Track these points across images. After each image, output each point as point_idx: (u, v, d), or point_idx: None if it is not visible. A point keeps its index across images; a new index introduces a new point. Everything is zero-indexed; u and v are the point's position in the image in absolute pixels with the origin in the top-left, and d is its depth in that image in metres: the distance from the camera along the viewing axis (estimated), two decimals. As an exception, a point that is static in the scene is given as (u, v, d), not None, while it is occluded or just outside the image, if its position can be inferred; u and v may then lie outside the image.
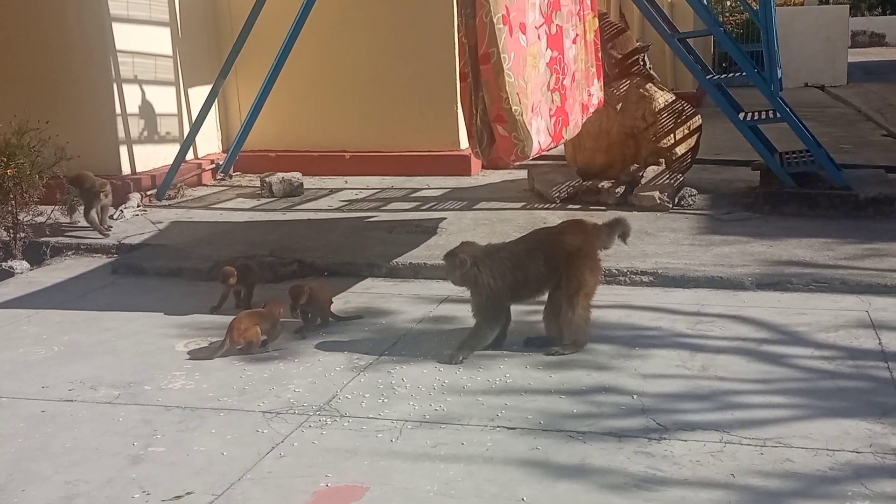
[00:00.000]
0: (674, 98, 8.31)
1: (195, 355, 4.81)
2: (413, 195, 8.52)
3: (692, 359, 4.54)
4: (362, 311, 5.44)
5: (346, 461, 3.61)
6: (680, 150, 8.15)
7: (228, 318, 4.97)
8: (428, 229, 7.05)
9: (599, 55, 6.99)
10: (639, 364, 4.49)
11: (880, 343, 4.66)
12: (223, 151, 9.95)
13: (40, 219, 6.90)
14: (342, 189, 8.91)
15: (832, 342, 4.71)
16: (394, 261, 6.22)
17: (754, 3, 8.75)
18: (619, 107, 8.07)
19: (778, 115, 7.64)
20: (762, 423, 3.81)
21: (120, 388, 4.43)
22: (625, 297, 5.54)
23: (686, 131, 8.18)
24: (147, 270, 6.47)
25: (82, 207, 7.20)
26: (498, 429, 3.84)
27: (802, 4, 22.33)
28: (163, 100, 9.24)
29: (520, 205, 7.83)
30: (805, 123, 7.81)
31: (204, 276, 6.23)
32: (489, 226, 7.12)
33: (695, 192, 7.65)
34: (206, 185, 9.37)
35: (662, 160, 8.03)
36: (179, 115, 9.49)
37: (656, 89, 8.23)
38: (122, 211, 7.97)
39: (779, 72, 7.79)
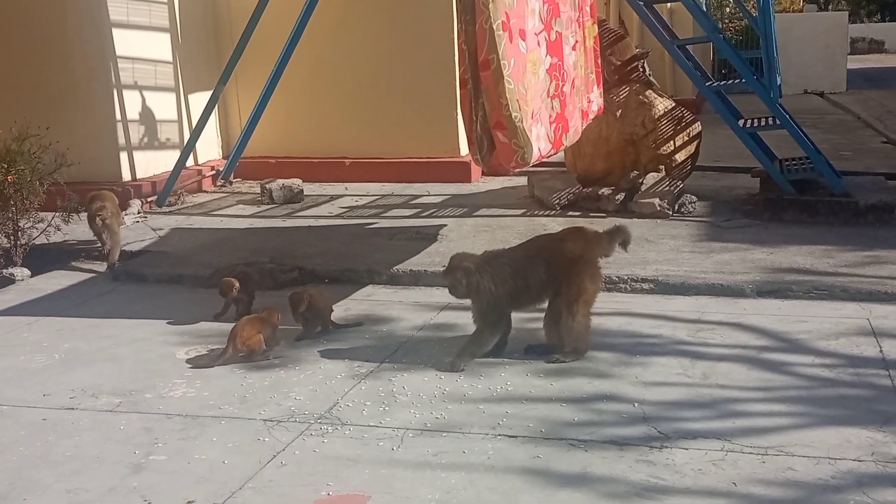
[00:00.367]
0: (673, 105, 8.32)
1: (196, 363, 4.80)
2: (413, 202, 8.52)
3: (693, 366, 4.54)
4: (363, 319, 5.44)
5: (347, 469, 3.61)
6: (680, 156, 8.16)
7: (229, 326, 4.97)
8: (428, 236, 7.05)
9: (599, 62, 7.00)
10: (640, 372, 4.49)
11: (881, 351, 4.66)
12: (223, 158, 9.96)
13: (41, 225, 6.88)
14: (342, 195, 8.92)
15: (833, 350, 4.71)
16: (394, 268, 6.22)
17: (753, 9, 8.76)
18: (618, 113, 8.08)
19: (777, 121, 7.65)
20: (763, 431, 3.81)
21: (121, 395, 4.42)
22: (625, 305, 5.54)
23: (686, 138, 8.19)
24: (148, 277, 6.47)
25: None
26: (499, 437, 3.84)
27: (801, 11, 22.38)
28: (163, 106, 9.25)
29: (520, 212, 7.84)
30: (804, 130, 7.82)
31: (204, 282, 6.22)
32: (489, 232, 7.13)
33: (695, 199, 7.65)
34: (207, 192, 9.38)
35: (662, 167, 8.03)
36: (180, 121, 9.50)
37: (656, 96, 8.24)
38: (122, 218, 7.96)
39: (778, 78, 7.80)
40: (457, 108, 9.06)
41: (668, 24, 8.97)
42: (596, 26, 6.93)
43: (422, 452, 3.73)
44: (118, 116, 8.58)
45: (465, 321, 4.96)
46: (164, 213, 8.41)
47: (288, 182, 8.74)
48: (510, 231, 7.12)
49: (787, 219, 7.14)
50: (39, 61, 8.53)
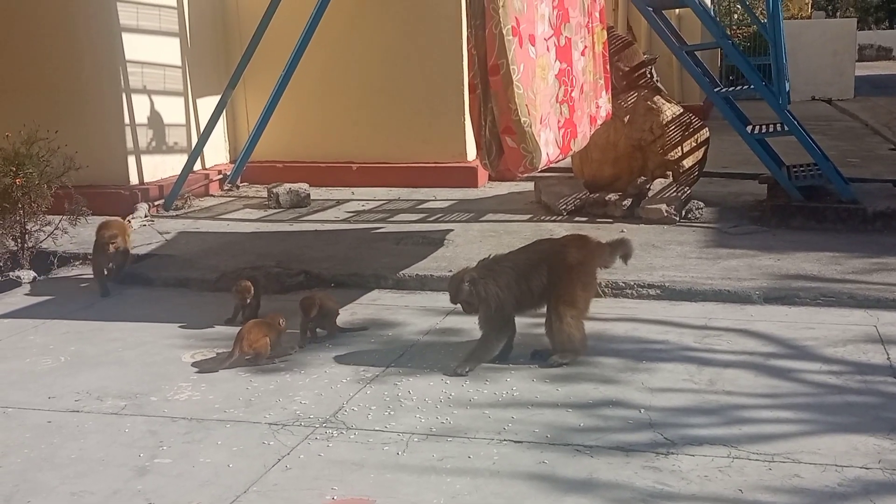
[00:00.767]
0: (681, 111, 8.31)
1: (202, 366, 4.80)
2: (420, 207, 8.52)
3: (699, 373, 4.52)
4: (369, 323, 5.43)
5: (352, 474, 3.60)
6: (687, 162, 8.15)
7: (235, 329, 4.97)
8: (435, 241, 7.05)
9: (608, 67, 7.00)
10: (646, 378, 4.48)
11: (888, 358, 4.64)
12: (231, 162, 9.98)
13: (48, 228, 6.90)
14: (349, 200, 8.92)
15: (840, 357, 4.68)
16: (401, 272, 6.22)
17: (762, 16, 8.75)
18: (626, 119, 8.07)
19: (786, 128, 7.63)
20: (770, 437, 3.79)
21: (126, 398, 4.42)
22: (632, 311, 5.53)
23: (693, 144, 8.18)
24: (154, 281, 6.47)
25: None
26: (505, 442, 3.83)
27: (810, 18, 22.34)
28: (171, 110, 9.27)
29: (526, 217, 7.83)
30: (813, 137, 7.80)
31: (211, 286, 6.24)
32: (496, 238, 7.12)
33: (702, 205, 7.63)
34: (214, 196, 9.39)
35: (670, 173, 8.02)
36: (187, 125, 9.52)
37: (664, 102, 8.23)
38: (129, 221, 7.98)
39: (787, 85, 7.78)
40: (464, 113, 9.06)
41: (677, 30, 8.97)
42: (605, 32, 6.93)
43: (427, 457, 3.72)
44: (126, 120, 8.60)
45: (471, 326, 4.95)
46: (172, 216, 8.42)
47: (295, 186, 8.75)
48: (517, 236, 7.11)
49: (795, 225, 7.12)
50: (48, 65, 8.56)
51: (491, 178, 9.37)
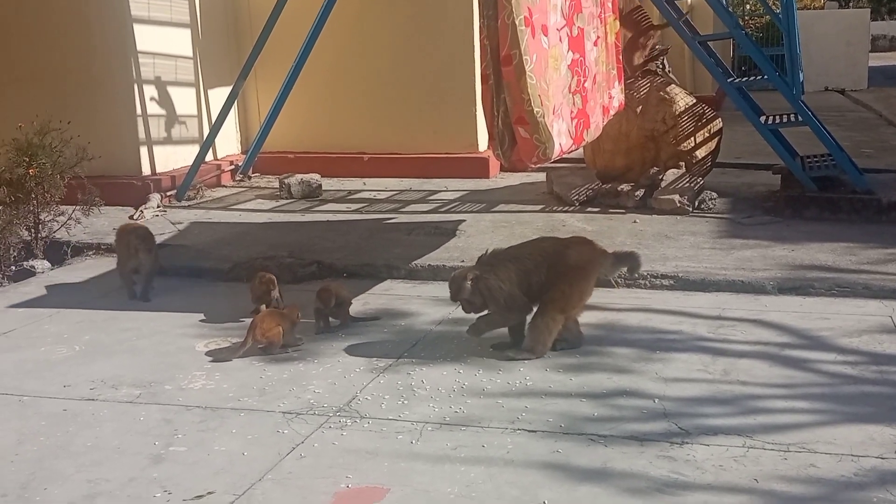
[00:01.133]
0: (694, 101, 8.27)
1: (216, 356, 4.82)
2: (431, 197, 8.52)
3: (714, 363, 4.51)
4: (381, 313, 5.44)
5: (366, 462, 3.60)
6: (700, 153, 8.11)
7: (248, 319, 4.98)
8: (447, 231, 7.04)
9: (620, 57, 6.97)
10: (660, 368, 4.47)
11: (904, 348, 4.62)
12: (242, 153, 9.99)
13: (61, 218, 6.93)
14: (360, 191, 8.92)
15: (855, 347, 4.66)
16: (413, 262, 6.22)
17: (775, 6, 8.70)
18: (639, 109, 8.04)
19: (799, 118, 7.59)
20: (785, 427, 3.78)
21: (141, 387, 4.44)
22: (645, 301, 5.51)
23: (706, 134, 8.14)
24: (167, 271, 6.46)
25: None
26: (518, 431, 3.83)
27: (823, 8, 22.21)
28: (183, 101, 9.28)
29: (538, 207, 7.81)
30: (827, 127, 7.76)
31: (224, 276, 6.25)
32: (508, 228, 7.11)
33: (715, 195, 7.60)
34: (226, 186, 9.40)
35: (682, 163, 7.99)
36: (199, 116, 9.53)
37: (677, 92, 8.20)
38: (142, 211, 8.01)
39: (801, 75, 7.74)
40: (475, 104, 9.04)
41: (689, 20, 8.92)
42: (618, 22, 6.90)
43: (441, 446, 3.72)
44: (138, 111, 8.62)
45: (483, 316, 4.94)
46: (184, 207, 8.43)
47: (306, 177, 8.75)
48: (529, 227, 7.10)
49: (809, 216, 7.08)
50: (61, 56, 8.57)
51: (503, 169, 9.35)
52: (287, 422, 3.99)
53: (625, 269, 4.94)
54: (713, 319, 5.14)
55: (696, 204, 7.48)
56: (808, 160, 7.78)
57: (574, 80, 5.80)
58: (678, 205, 7.38)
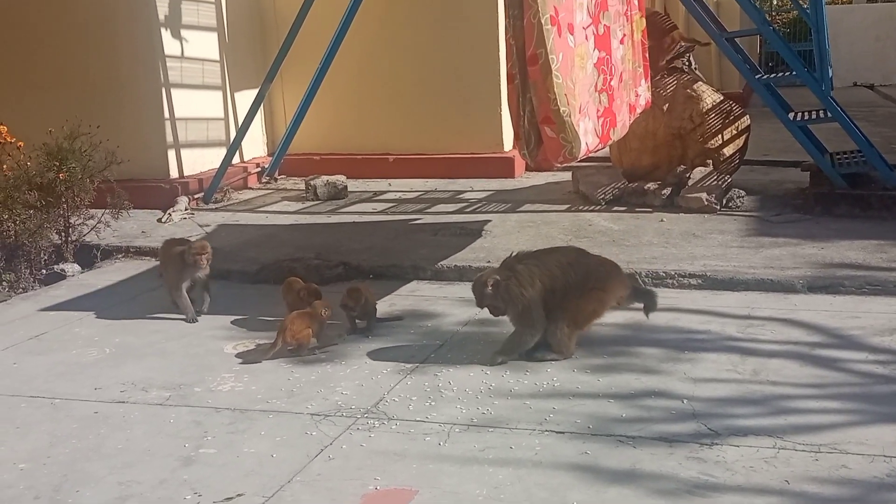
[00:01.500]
0: (722, 98, 8.21)
1: (245, 357, 4.84)
2: (457, 197, 8.52)
3: (743, 363, 4.47)
4: (407, 314, 5.44)
5: (394, 464, 3.61)
6: (728, 150, 8.05)
7: (276, 321, 5.00)
8: (473, 232, 7.04)
9: (647, 55, 6.93)
10: (688, 368, 4.44)
11: (938, 347, 4.56)
12: (269, 155, 10.03)
13: (91, 222, 7.00)
14: (386, 192, 8.94)
15: (887, 346, 4.61)
16: (439, 263, 6.22)
17: (803, 1, 8.60)
18: (665, 107, 7.99)
19: (829, 114, 7.51)
20: (816, 428, 3.74)
21: (170, 389, 4.48)
22: (673, 300, 5.48)
23: (734, 132, 8.08)
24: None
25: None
26: (546, 433, 3.82)
27: (851, 3, 21.96)
28: (209, 104, 9.34)
29: (564, 207, 7.79)
30: (856, 123, 7.67)
31: (251, 278, 6.29)
32: (534, 228, 7.09)
33: (743, 193, 7.54)
34: (252, 189, 9.46)
35: (710, 161, 7.93)
36: (226, 119, 9.59)
37: (704, 89, 8.14)
38: (170, 214, 8.07)
39: (830, 71, 7.66)
40: (500, 104, 9.03)
41: (716, 16, 8.85)
42: (644, 20, 6.86)
43: (469, 448, 3.72)
44: (166, 114, 8.69)
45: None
46: (211, 209, 8.49)
47: (332, 178, 8.78)
48: (555, 226, 7.08)
49: (839, 213, 7.01)
50: (89, 61, 8.66)
51: (528, 168, 9.33)
52: (315, 423, 4.01)
53: (640, 304, 4.88)
54: (742, 319, 5.10)
55: (724, 202, 7.42)
56: (838, 157, 7.69)
57: (600, 79, 5.78)
58: (706, 203, 7.32)
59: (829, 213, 7.02)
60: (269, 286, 5.97)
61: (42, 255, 6.71)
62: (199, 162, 9.10)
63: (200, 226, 7.79)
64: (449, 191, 8.83)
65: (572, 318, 4.60)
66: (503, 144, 9.32)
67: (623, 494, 3.32)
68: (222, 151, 9.05)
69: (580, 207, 7.72)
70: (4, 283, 6.43)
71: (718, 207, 7.34)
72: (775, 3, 20.28)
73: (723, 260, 5.96)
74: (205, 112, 9.26)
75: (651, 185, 7.72)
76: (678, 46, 8.35)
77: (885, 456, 3.48)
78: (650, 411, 3.98)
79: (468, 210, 7.96)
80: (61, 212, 6.84)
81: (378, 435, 3.87)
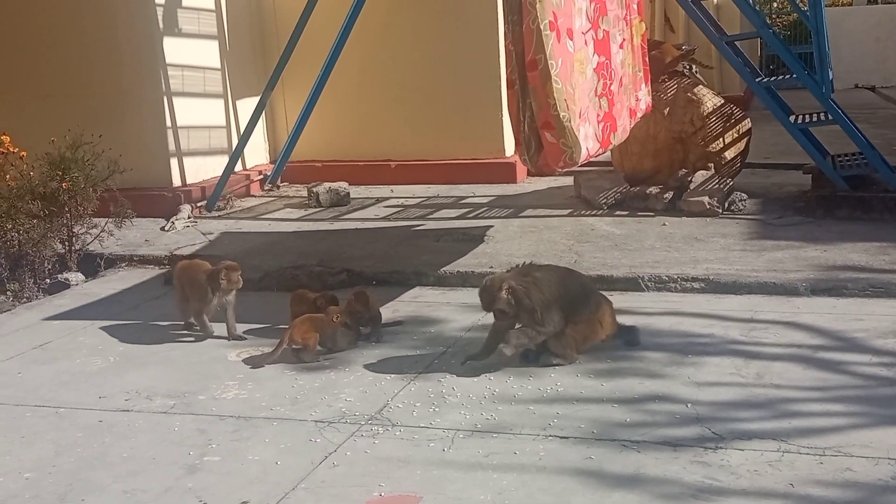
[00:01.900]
0: (722, 101, 8.22)
1: (250, 362, 4.85)
2: (459, 203, 8.53)
3: (747, 366, 4.47)
4: (410, 320, 5.45)
5: (398, 470, 3.61)
6: (729, 154, 8.06)
7: (280, 328, 5.02)
8: (475, 237, 7.04)
9: (647, 59, 6.95)
10: (692, 372, 4.44)
11: (941, 349, 4.55)
12: (271, 162, 10.05)
13: (94, 231, 7.02)
14: (388, 198, 8.95)
15: (891, 348, 4.61)
16: (441, 269, 6.23)
17: (803, 3, 8.61)
18: (666, 111, 8.00)
19: (829, 117, 7.51)
20: (821, 431, 3.74)
21: (175, 397, 4.48)
22: (676, 304, 5.48)
23: (735, 135, 8.09)
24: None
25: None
26: (550, 438, 3.82)
27: (851, 5, 21.97)
28: (211, 112, 9.36)
29: (566, 211, 7.80)
30: (857, 125, 7.68)
31: (254, 286, 6.28)
32: (536, 233, 7.10)
33: (745, 196, 7.54)
34: (255, 196, 9.47)
35: (711, 165, 7.94)
36: (228, 127, 9.61)
37: (705, 92, 8.15)
38: (173, 223, 8.09)
39: (830, 73, 7.66)
40: (502, 109, 9.04)
41: (716, 20, 8.86)
42: (643, 24, 6.88)
43: (473, 453, 3.72)
44: (168, 123, 8.71)
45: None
46: (214, 217, 8.51)
47: (334, 185, 8.79)
48: (557, 231, 7.09)
49: (841, 215, 7.00)
50: (91, 70, 8.69)
51: (530, 174, 9.34)
52: (319, 430, 4.01)
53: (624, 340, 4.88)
54: (745, 322, 5.10)
55: (726, 205, 7.42)
56: (839, 159, 7.70)
57: (600, 84, 5.79)
58: (708, 207, 7.33)
59: (831, 216, 7.02)
60: (273, 294, 5.99)
61: (46, 265, 6.73)
62: (202, 170, 9.12)
63: (203, 234, 7.80)
64: (451, 197, 8.84)
65: (574, 328, 4.61)
66: (504, 150, 9.33)
67: (627, 499, 3.32)
68: (224, 159, 9.07)
69: (582, 212, 7.72)
70: (9, 293, 6.45)
71: (720, 211, 7.34)
72: (775, 5, 20.28)
73: (725, 263, 5.97)
74: (207, 120, 9.28)
75: (653, 189, 7.72)
76: (678, 57, 8.34)
77: (889, 458, 3.48)
78: (654, 415, 3.98)
79: (470, 216, 7.97)
80: (64, 221, 6.86)
81: (382, 441, 3.88)
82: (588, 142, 5.50)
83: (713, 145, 7.99)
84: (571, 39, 5.34)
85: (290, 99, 9.82)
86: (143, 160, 8.30)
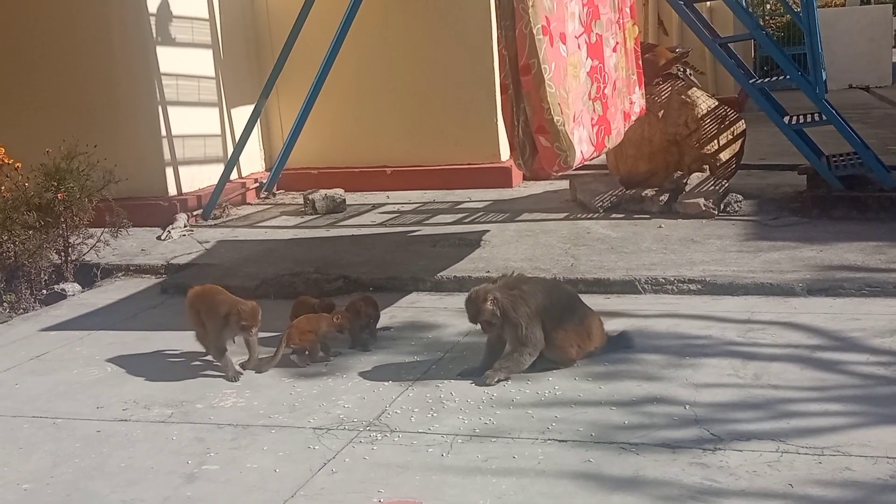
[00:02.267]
0: (716, 103, 8.23)
1: (251, 367, 4.84)
2: (455, 208, 8.53)
3: (744, 367, 4.47)
4: (408, 326, 5.45)
5: (397, 476, 3.61)
6: (724, 155, 8.07)
7: (276, 335, 5.01)
8: (471, 242, 7.05)
9: (640, 62, 6.96)
10: (690, 374, 4.44)
11: (938, 347, 4.56)
12: (266, 170, 10.06)
13: (90, 241, 7.02)
14: (384, 204, 8.95)
15: (888, 348, 4.61)
16: (438, 274, 6.22)
17: (796, 5, 8.64)
18: (660, 114, 8.02)
19: (824, 117, 7.53)
20: (819, 431, 3.74)
21: (172, 406, 4.47)
22: (673, 306, 5.48)
23: (730, 137, 8.10)
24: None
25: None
26: (549, 442, 3.82)
27: (844, 5, 22.03)
28: (206, 121, 9.37)
29: (562, 215, 7.80)
30: (851, 125, 7.69)
31: (251, 294, 6.27)
32: (533, 237, 7.10)
33: (741, 198, 7.56)
34: (251, 204, 9.47)
35: (706, 166, 7.95)
36: (223, 135, 9.61)
37: (699, 95, 8.16)
38: (169, 231, 8.09)
39: (823, 74, 7.68)
40: (497, 114, 9.05)
41: (709, 23, 8.88)
42: (636, 27, 6.89)
43: (472, 458, 3.72)
44: (163, 132, 8.71)
45: (511, 326, 4.94)
46: (210, 226, 8.50)
47: (330, 192, 8.80)
48: (553, 235, 7.09)
49: (837, 215, 7.02)
50: (85, 81, 8.69)
51: (525, 178, 9.35)
52: (318, 437, 4.01)
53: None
54: (742, 323, 5.10)
55: (722, 207, 7.44)
56: (834, 159, 7.71)
57: (594, 87, 5.80)
58: (703, 208, 7.34)
59: (826, 216, 7.03)
60: (270, 301, 5.97)
61: (42, 276, 6.72)
62: (198, 178, 9.12)
63: (200, 242, 7.80)
64: (447, 202, 8.84)
65: (565, 335, 4.59)
66: (500, 155, 9.34)
67: (626, 501, 3.31)
68: (220, 168, 9.07)
69: (578, 215, 7.73)
70: (5, 304, 6.44)
71: (716, 212, 7.35)
72: (768, 7, 20.33)
73: (722, 265, 5.97)
74: (202, 129, 9.28)
75: (648, 192, 7.73)
76: (672, 60, 8.36)
77: (888, 457, 3.48)
78: (652, 418, 3.98)
79: (466, 220, 7.98)
80: (60, 231, 6.85)
81: (381, 447, 3.87)
82: (582, 145, 5.50)
83: (708, 147, 8.00)
84: (564, 44, 5.34)
85: (286, 106, 9.83)
86: (139, 169, 8.31)
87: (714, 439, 3.72)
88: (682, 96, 8.09)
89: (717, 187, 7.63)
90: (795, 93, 8.10)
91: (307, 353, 4.88)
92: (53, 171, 6.73)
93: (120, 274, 7.13)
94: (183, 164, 8.95)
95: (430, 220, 8.08)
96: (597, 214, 7.69)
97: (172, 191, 8.81)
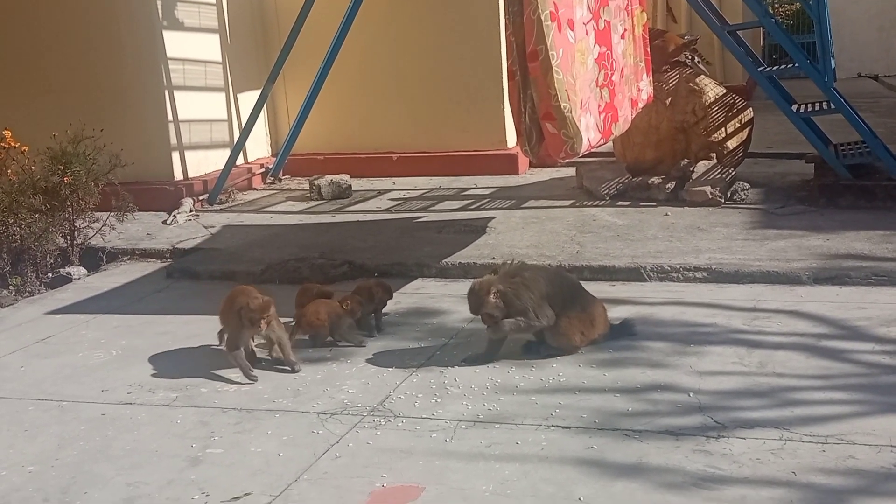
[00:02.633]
0: (724, 91, 8.19)
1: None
2: (461, 195, 8.52)
3: (749, 355, 4.47)
4: (412, 312, 5.45)
5: (401, 461, 3.61)
6: (731, 143, 8.04)
7: (285, 321, 5.02)
8: (477, 229, 7.04)
9: (648, 49, 6.92)
10: (694, 361, 4.43)
11: (944, 337, 4.54)
12: (272, 155, 10.05)
13: (96, 225, 7.03)
14: (390, 190, 8.94)
15: (893, 336, 4.60)
16: (443, 261, 6.22)
17: (805, -8, 8.58)
18: (668, 101, 7.98)
19: (832, 106, 7.49)
20: (823, 419, 3.74)
21: (177, 390, 4.49)
22: (678, 294, 5.48)
23: (737, 125, 8.06)
24: (201, 274, 6.55)
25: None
26: (552, 428, 3.82)
27: (854, -7, 21.89)
28: (213, 106, 9.36)
29: (569, 202, 7.78)
30: (860, 114, 7.65)
31: (256, 278, 6.29)
32: (538, 224, 7.09)
33: (747, 186, 7.53)
34: (257, 189, 9.47)
35: (714, 154, 7.92)
36: (229, 120, 9.60)
37: (707, 82, 8.12)
38: (175, 216, 8.10)
39: (832, 62, 7.64)
40: (503, 101, 9.02)
41: (718, 10, 8.83)
42: (645, 14, 6.86)
43: (475, 444, 3.72)
44: (169, 117, 8.70)
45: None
46: (216, 210, 8.51)
47: (336, 178, 8.79)
48: (559, 222, 7.08)
49: (844, 204, 6.99)
50: (92, 65, 8.68)
51: (532, 165, 9.33)
52: (322, 422, 4.01)
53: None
54: (748, 311, 5.09)
55: (729, 195, 7.41)
56: (842, 148, 7.67)
57: (601, 74, 5.78)
58: (710, 196, 7.31)
59: (833, 205, 7.00)
60: (275, 286, 5.97)
61: (48, 259, 6.74)
62: (204, 163, 9.12)
63: (205, 227, 7.81)
64: (453, 188, 8.83)
65: (569, 321, 4.59)
66: (506, 141, 9.32)
67: (630, 488, 3.32)
68: (226, 153, 9.06)
69: (584, 203, 7.71)
70: (11, 287, 6.46)
71: (723, 200, 7.33)
72: (777, -6, 20.20)
73: (728, 253, 5.95)
74: (208, 113, 9.28)
75: (655, 180, 7.71)
76: (681, 46, 8.31)
77: (892, 446, 3.47)
78: (656, 405, 3.98)
79: (472, 207, 7.96)
80: (66, 215, 6.86)
81: (384, 432, 3.88)
82: (589, 132, 5.48)
83: (715, 135, 7.97)
84: (572, 30, 5.32)
85: (292, 92, 9.82)
86: (145, 154, 8.31)
87: (718, 427, 3.72)
88: (690, 84, 8.05)
89: (724, 175, 7.60)
90: (804, 81, 8.06)
91: (315, 337, 4.89)
92: (60, 155, 6.74)
93: (125, 258, 7.14)
94: (189, 148, 8.95)
95: (436, 207, 8.08)
96: (603, 202, 7.67)
97: (178, 175, 8.81)
